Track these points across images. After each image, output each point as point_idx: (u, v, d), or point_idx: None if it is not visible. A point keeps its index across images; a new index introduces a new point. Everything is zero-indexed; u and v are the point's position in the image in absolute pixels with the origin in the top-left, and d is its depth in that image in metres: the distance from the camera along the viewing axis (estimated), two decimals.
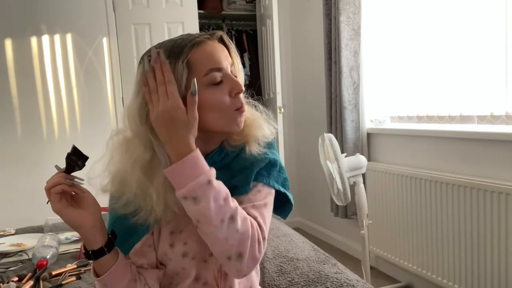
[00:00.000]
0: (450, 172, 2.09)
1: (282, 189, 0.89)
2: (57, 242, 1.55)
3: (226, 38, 0.85)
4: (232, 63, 0.83)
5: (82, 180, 0.78)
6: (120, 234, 0.83)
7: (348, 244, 3.06)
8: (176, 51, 0.77)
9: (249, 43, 3.76)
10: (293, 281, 1.22)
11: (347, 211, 2.78)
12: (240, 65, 0.87)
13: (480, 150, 1.95)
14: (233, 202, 0.75)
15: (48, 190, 0.74)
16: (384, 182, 2.48)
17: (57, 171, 0.79)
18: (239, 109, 0.81)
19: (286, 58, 3.66)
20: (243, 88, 0.81)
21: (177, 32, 2.99)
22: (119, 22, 2.97)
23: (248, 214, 0.78)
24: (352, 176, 2.08)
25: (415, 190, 2.24)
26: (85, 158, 0.78)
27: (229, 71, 0.81)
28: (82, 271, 1.38)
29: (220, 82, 0.79)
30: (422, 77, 2.32)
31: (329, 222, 3.27)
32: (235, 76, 0.82)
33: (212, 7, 3.58)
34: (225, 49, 0.83)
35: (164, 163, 0.77)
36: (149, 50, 0.80)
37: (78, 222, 0.76)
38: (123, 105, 3.02)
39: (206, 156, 0.82)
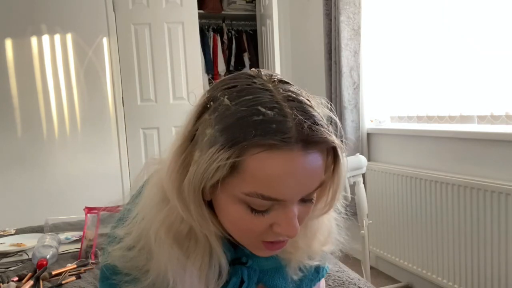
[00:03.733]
0: (450, 172, 2.08)
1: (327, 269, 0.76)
2: (57, 242, 1.55)
3: (339, 149, 0.55)
4: (323, 185, 0.56)
5: None
6: None
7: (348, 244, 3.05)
8: (234, 137, 0.49)
9: (249, 43, 3.77)
10: None
11: (347, 211, 2.78)
12: (341, 185, 0.58)
13: (480, 150, 1.95)
14: None
15: None
16: (384, 182, 2.48)
17: None
18: (271, 243, 0.56)
19: (286, 58, 3.66)
20: (295, 234, 0.53)
21: (177, 32, 2.99)
22: (119, 22, 2.97)
23: None
24: (352, 176, 2.08)
25: (415, 190, 2.24)
26: None
27: (296, 202, 0.52)
28: (82, 270, 1.38)
29: (264, 211, 0.52)
30: (422, 77, 2.32)
31: None
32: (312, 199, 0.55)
33: (212, 7, 3.58)
34: (320, 166, 0.52)
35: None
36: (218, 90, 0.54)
37: None
38: (123, 105, 3.03)
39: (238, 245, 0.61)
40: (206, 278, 0.56)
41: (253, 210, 0.52)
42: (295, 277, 0.64)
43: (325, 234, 0.65)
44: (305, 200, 0.54)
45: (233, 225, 0.55)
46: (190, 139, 0.53)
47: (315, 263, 0.66)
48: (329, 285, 1.17)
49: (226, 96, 0.52)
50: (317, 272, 0.72)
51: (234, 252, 0.61)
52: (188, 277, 0.55)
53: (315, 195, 0.55)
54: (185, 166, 0.53)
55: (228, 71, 3.75)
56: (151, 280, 0.56)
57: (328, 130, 0.52)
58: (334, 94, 2.80)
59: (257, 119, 0.49)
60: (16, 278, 1.30)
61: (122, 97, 3.02)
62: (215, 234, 0.55)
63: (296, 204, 0.52)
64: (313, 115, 0.51)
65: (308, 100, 0.54)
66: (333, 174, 0.56)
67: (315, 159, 0.51)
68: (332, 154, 0.55)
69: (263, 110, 0.49)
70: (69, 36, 2.88)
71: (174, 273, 0.55)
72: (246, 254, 0.62)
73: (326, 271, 0.74)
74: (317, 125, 0.50)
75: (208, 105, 0.53)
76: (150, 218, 0.56)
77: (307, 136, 0.49)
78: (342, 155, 0.55)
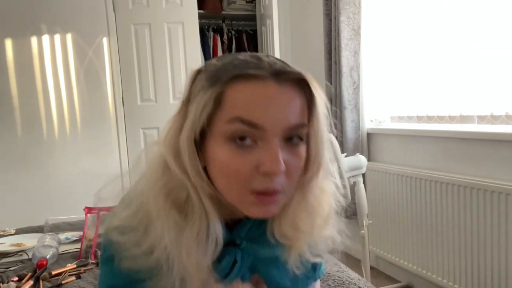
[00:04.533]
0: (450, 172, 2.08)
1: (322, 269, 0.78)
2: (57, 242, 1.55)
3: (310, 82, 0.58)
4: (307, 124, 0.57)
5: None
6: None
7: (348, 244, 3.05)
8: (217, 76, 0.56)
9: (249, 43, 3.77)
10: None
11: (347, 211, 2.78)
12: (323, 127, 0.59)
13: (480, 150, 1.95)
14: None
15: None
16: (384, 182, 2.48)
17: None
18: (261, 195, 0.55)
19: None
20: (280, 170, 0.53)
21: (177, 32, 2.99)
22: (119, 22, 2.97)
23: None
24: (352, 176, 2.08)
25: (415, 190, 2.24)
26: None
27: (279, 136, 0.54)
28: (82, 270, 1.38)
29: (247, 142, 0.54)
30: (422, 77, 2.32)
31: None
32: (298, 139, 0.56)
33: (212, 7, 3.58)
34: (296, 100, 0.56)
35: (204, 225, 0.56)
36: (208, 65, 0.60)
37: None
38: (123, 105, 3.03)
39: (238, 221, 0.63)
40: (205, 245, 0.56)
41: (238, 145, 0.54)
42: (293, 270, 0.64)
43: (324, 216, 0.65)
44: (290, 139, 0.56)
45: (222, 174, 0.56)
46: (186, 103, 0.58)
47: (315, 259, 0.66)
48: (329, 285, 1.17)
49: (214, 60, 0.60)
50: (314, 270, 0.72)
51: (230, 234, 0.61)
52: (185, 244, 0.55)
53: (302, 137, 0.57)
54: (181, 126, 0.57)
55: None
56: (149, 251, 0.56)
57: (305, 73, 0.58)
58: (334, 94, 2.80)
59: (236, 62, 0.56)
60: (16, 278, 1.30)
61: (122, 97, 3.02)
62: (209, 197, 0.56)
63: (280, 144, 0.54)
64: (286, 63, 0.59)
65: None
66: (311, 118, 0.57)
67: (288, 91, 0.55)
68: (309, 98, 0.58)
69: (242, 57, 0.57)
70: (69, 36, 2.88)
71: (171, 239, 0.55)
72: (240, 236, 0.63)
73: (323, 272, 0.75)
74: (290, 66, 0.58)
75: (200, 70, 0.59)
76: (149, 187, 0.57)
77: (279, 70, 0.56)
78: (314, 88, 0.58)
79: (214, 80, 0.55)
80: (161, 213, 0.56)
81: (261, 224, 0.63)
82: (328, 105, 0.61)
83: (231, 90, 0.54)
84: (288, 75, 0.56)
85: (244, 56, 0.58)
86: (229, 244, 0.62)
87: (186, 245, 0.55)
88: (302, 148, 0.57)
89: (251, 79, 0.54)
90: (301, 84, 0.57)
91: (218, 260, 0.59)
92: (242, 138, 0.54)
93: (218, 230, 0.57)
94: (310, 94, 0.57)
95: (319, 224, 0.64)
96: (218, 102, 0.55)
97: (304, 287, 0.70)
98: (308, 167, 0.59)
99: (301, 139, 0.57)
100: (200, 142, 0.57)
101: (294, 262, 0.63)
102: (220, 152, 0.55)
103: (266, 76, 0.55)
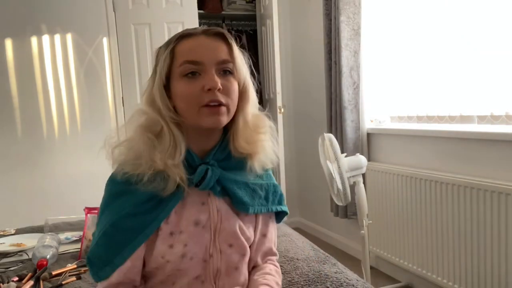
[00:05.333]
0: (450, 172, 2.08)
1: (285, 209, 1.01)
2: (57, 242, 1.55)
3: (227, 35, 0.86)
4: (231, 61, 0.85)
5: None
6: (124, 235, 0.82)
7: (348, 244, 3.06)
8: (169, 41, 0.86)
9: (249, 43, 3.76)
10: (293, 281, 1.22)
11: (347, 211, 2.78)
12: (243, 67, 0.88)
13: (480, 150, 1.95)
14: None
15: None
16: (384, 182, 2.48)
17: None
18: (209, 106, 0.81)
19: (286, 58, 3.66)
20: (218, 86, 0.80)
21: (177, 32, 2.99)
22: (119, 22, 2.96)
23: (273, 254, 1.01)
24: (352, 176, 2.08)
25: (415, 190, 2.24)
26: None
27: (214, 68, 0.82)
28: (82, 271, 1.38)
29: (195, 75, 0.82)
30: (422, 77, 2.32)
31: (329, 222, 3.27)
32: (228, 72, 0.84)
33: (212, 7, 3.58)
34: (222, 46, 0.85)
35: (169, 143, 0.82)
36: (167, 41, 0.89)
37: None
38: (123, 105, 3.03)
39: (208, 152, 0.88)
40: (173, 154, 0.82)
41: (189, 77, 0.82)
42: (251, 192, 0.92)
43: (265, 131, 0.91)
44: (224, 71, 0.84)
45: (182, 99, 0.83)
46: (155, 68, 0.86)
47: (267, 167, 0.94)
48: (327, 287, 1.17)
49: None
50: (267, 200, 0.96)
51: (202, 160, 0.88)
52: (157, 151, 0.81)
53: (231, 70, 0.84)
54: (153, 83, 0.86)
55: None
56: (137, 161, 0.82)
57: (225, 31, 0.87)
58: (334, 94, 2.80)
59: (180, 31, 0.88)
60: (16, 278, 1.30)
61: (122, 97, 3.02)
62: (177, 126, 0.83)
63: (216, 74, 0.82)
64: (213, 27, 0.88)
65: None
66: (232, 58, 0.85)
67: (215, 40, 0.85)
68: (229, 46, 0.86)
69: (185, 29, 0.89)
70: (69, 36, 2.88)
71: (147, 149, 0.81)
72: (210, 159, 0.88)
73: (274, 186, 0.99)
74: (215, 27, 0.87)
75: (160, 46, 0.89)
76: (133, 127, 0.85)
77: (207, 29, 0.86)
78: (230, 39, 0.86)
79: (168, 43, 0.86)
80: (140, 135, 0.83)
81: (224, 149, 0.90)
82: (245, 53, 0.91)
83: (179, 45, 0.84)
84: (213, 31, 0.86)
85: (187, 29, 0.88)
86: (203, 164, 0.87)
87: (157, 152, 0.81)
88: (232, 78, 0.85)
89: (190, 36, 0.85)
90: (223, 37, 0.86)
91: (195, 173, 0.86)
92: (191, 73, 0.82)
93: (182, 146, 0.83)
94: (228, 43, 0.86)
95: (263, 137, 0.91)
96: (172, 54, 0.84)
97: (258, 208, 0.93)
98: (241, 95, 0.87)
99: (230, 72, 0.85)
100: (168, 87, 0.85)
101: (253, 172, 0.91)
102: (179, 85, 0.83)
103: (199, 33, 0.85)
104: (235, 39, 0.91)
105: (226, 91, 0.83)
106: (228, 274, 0.90)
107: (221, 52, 0.84)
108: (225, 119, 0.84)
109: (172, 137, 0.82)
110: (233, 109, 0.85)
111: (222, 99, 0.81)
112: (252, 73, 0.92)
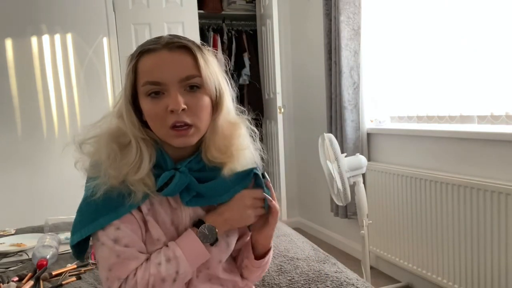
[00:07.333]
0: (450, 172, 2.09)
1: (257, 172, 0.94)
2: (57, 242, 1.55)
3: (192, 47, 0.80)
4: (198, 74, 0.79)
5: None
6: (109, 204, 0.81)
7: (348, 244, 3.06)
8: (132, 55, 0.82)
9: (249, 43, 3.76)
10: (293, 280, 1.23)
11: (347, 211, 2.78)
12: (214, 76, 0.82)
13: (480, 150, 1.95)
14: None
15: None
16: (384, 182, 2.48)
17: None
18: (176, 128, 0.78)
19: (286, 58, 3.66)
20: (180, 107, 0.76)
21: (177, 32, 2.99)
22: (119, 22, 2.97)
23: None
24: (352, 176, 2.08)
25: (415, 190, 2.24)
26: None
27: (178, 86, 0.78)
28: (82, 271, 1.38)
29: (158, 95, 0.78)
30: (422, 77, 2.32)
31: (329, 222, 3.27)
32: (196, 87, 0.80)
33: (212, 7, 3.58)
34: (186, 59, 0.79)
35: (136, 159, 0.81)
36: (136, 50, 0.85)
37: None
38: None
39: (182, 161, 0.85)
40: (138, 166, 0.80)
41: (153, 97, 0.78)
42: (225, 181, 0.86)
43: (240, 139, 0.87)
44: (191, 87, 0.79)
45: (149, 118, 0.80)
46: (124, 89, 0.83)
47: (243, 168, 0.88)
48: (327, 286, 1.17)
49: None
50: (243, 178, 0.89)
51: (174, 164, 0.85)
52: (119, 163, 0.79)
53: (199, 85, 0.80)
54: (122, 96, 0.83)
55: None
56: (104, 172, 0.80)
57: (191, 42, 0.82)
58: (334, 94, 2.80)
59: (144, 42, 0.83)
60: (16, 278, 1.30)
61: None
62: (143, 140, 0.81)
63: (180, 91, 0.78)
64: (181, 36, 0.83)
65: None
66: (200, 71, 0.79)
67: (178, 55, 0.79)
68: (196, 58, 0.80)
69: (150, 39, 0.83)
70: (69, 36, 2.88)
71: (110, 161, 0.80)
72: (181, 165, 0.84)
73: (259, 175, 0.91)
74: (180, 38, 0.82)
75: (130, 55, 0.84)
76: (101, 134, 0.83)
77: (169, 42, 0.80)
78: (197, 50, 0.81)
79: (131, 58, 0.82)
80: (105, 145, 0.81)
81: (200, 160, 0.86)
82: (222, 62, 0.89)
83: (140, 62, 0.80)
84: (176, 44, 0.80)
85: (153, 37, 0.83)
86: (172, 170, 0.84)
87: (121, 164, 0.79)
88: (200, 93, 0.81)
89: (150, 51, 0.80)
90: (187, 50, 0.80)
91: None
92: (154, 93, 0.79)
93: (148, 161, 0.80)
94: (194, 56, 0.80)
95: (237, 144, 0.86)
96: (135, 72, 0.81)
97: (232, 192, 0.88)
98: (214, 107, 0.84)
99: (198, 87, 0.80)
100: (137, 102, 0.82)
101: (228, 175, 0.86)
102: (144, 105, 0.80)
103: (160, 48, 0.79)
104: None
105: (193, 110, 0.79)
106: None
107: (185, 68, 0.79)
108: (194, 139, 0.81)
109: (139, 152, 0.80)
110: (203, 126, 0.82)
111: (188, 119, 0.78)
112: (231, 75, 0.89)
